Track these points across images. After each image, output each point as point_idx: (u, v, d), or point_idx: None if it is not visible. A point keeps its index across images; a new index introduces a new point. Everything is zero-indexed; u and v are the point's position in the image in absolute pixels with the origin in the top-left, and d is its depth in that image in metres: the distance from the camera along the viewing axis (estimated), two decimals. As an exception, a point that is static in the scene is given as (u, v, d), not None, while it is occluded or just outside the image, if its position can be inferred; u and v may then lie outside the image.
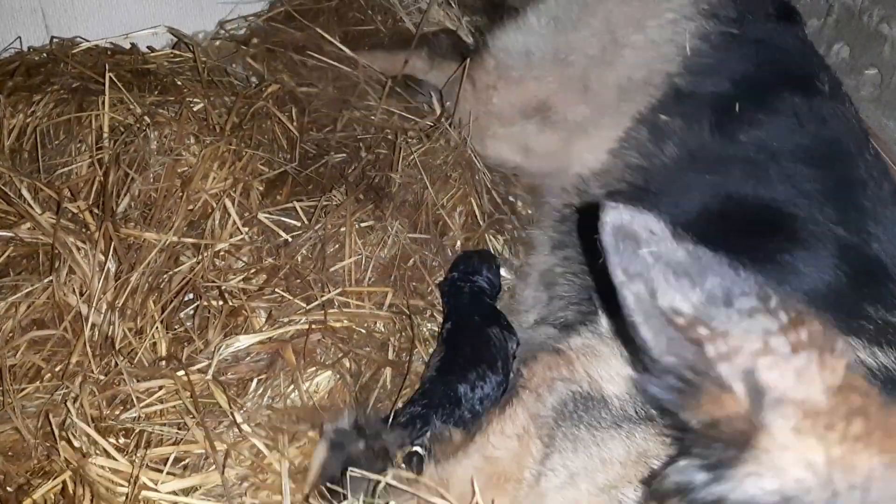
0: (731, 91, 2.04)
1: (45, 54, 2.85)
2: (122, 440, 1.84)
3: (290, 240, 2.30)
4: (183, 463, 1.81)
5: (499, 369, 1.95)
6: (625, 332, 1.08)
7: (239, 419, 1.83)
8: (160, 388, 1.89)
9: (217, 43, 3.16)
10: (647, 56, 2.18)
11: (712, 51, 2.12)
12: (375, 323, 2.16)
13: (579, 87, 2.31)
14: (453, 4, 3.41)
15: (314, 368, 2.00)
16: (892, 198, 1.94)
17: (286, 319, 2.06)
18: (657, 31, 2.19)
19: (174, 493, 1.70)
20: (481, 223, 2.53)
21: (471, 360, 1.95)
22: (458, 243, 2.47)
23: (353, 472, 1.65)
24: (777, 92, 2.01)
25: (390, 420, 1.86)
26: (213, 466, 1.75)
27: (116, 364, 1.93)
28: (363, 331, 2.12)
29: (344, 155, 2.64)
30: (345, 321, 2.09)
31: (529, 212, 2.65)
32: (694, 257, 1.00)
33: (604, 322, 1.75)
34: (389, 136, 2.72)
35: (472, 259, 2.30)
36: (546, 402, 1.64)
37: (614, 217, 0.98)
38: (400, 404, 1.97)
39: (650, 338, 0.99)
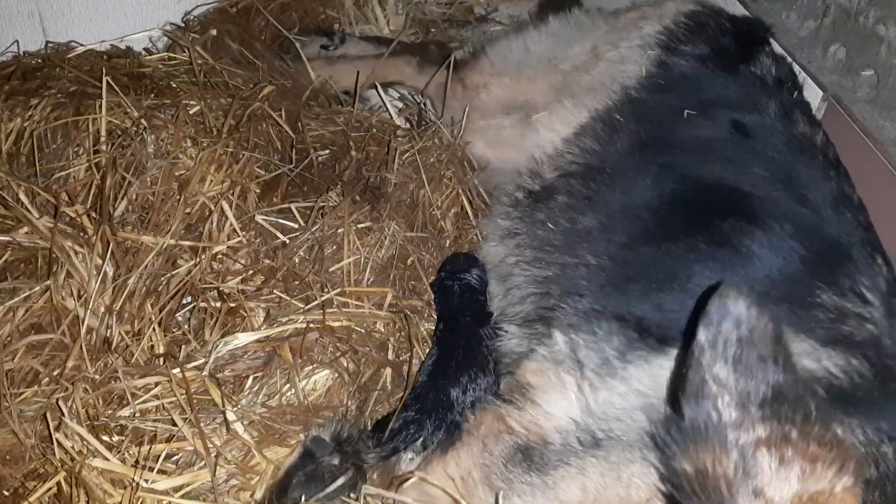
0: (678, 107, 2.23)
1: (40, 59, 2.85)
2: (115, 438, 1.85)
3: (287, 241, 2.30)
4: (176, 458, 1.82)
5: (490, 371, 1.98)
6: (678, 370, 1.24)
7: (231, 417, 1.83)
8: (156, 384, 1.90)
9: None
10: (615, 69, 2.44)
11: (665, 76, 2.36)
12: (375, 323, 2.17)
13: (559, 89, 2.52)
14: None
15: (312, 367, 2.00)
16: (833, 200, 2.00)
17: (285, 319, 2.06)
18: (626, 51, 2.47)
19: (166, 491, 1.71)
20: (473, 222, 2.56)
21: (462, 362, 1.97)
22: (448, 242, 2.50)
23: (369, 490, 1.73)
24: (719, 112, 2.19)
25: (387, 425, 1.88)
26: (203, 463, 1.76)
27: (112, 364, 1.94)
28: (362, 331, 2.12)
29: (328, 152, 2.66)
30: (344, 321, 2.09)
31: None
32: (770, 361, 1.12)
33: (558, 338, 1.79)
34: (377, 134, 2.75)
35: (458, 259, 2.34)
36: (493, 451, 1.69)
37: (733, 297, 1.11)
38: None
39: (689, 391, 1.12)
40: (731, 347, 1.09)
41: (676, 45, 2.41)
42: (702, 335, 1.12)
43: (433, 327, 2.23)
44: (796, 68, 2.45)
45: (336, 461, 1.75)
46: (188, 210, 2.28)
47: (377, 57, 3.11)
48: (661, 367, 1.62)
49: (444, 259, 2.38)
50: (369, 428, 1.93)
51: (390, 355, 2.14)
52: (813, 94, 2.40)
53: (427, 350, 2.17)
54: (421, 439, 1.80)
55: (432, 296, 2.30)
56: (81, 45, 2.94)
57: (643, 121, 2.23)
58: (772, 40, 2.53)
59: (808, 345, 1.63)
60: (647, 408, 1.55)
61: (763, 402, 1.09)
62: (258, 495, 1.75)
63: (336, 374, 2.00)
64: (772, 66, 2.37)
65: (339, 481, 1.74)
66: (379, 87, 3.03)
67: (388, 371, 2.11)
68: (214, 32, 3.05)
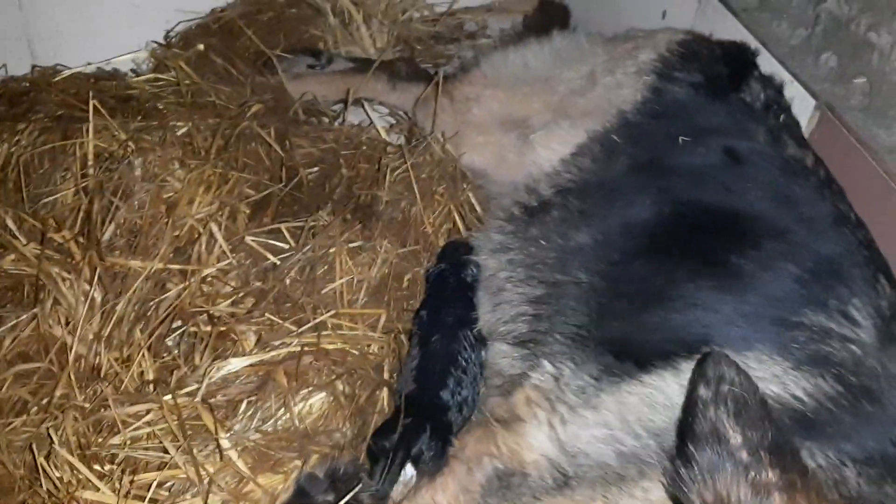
0: (673, 132, 2.24)
1: (27, 83, 2.83)
2: (107, 467, 1.81)
3: (278, 263, 2.27)
4: (168, 485, 1.79)
5: (471, 372, 2.03)
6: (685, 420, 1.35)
7: (225, 444, 1.80)
8: (147, 412, 1.87)
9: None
10: (611, 94, 2.46)
11: (660, 101, 2.38)
12: (369, 345, 2.14)
13: (555, 109, 2.54)
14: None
15: (307, 390, 1.97)
16: (833, 219, 2.00)
17: (278, 342, 2.03)
18: (622, 77, 2.49)
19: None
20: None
21: (446, 366, 2.01)
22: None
23: None
24: (711, 140, 2.21)
25: (383, 437, 1.85)
26: (196, 490, 1.73)
27: (102, 391, 1.91)
28: (357, 353, 2.09)
29: (318, 170, 2.65)
30: (339, 343, 2.07)
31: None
32: (766, 418, 1.28)
33: (547, 367, 1.81)
34: (367, 151, 2.73)
35: (458, 249, 2.36)
36: (475, 477, 1.72)
37: (725, 362, 1.28)
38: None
39: (699, 438, 1.26)
40: (730, 403, 1.24)
41: (671, 71, 2.43)
42: (702, 392, 1.27)
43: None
44: (788, 78, 2.44)
45: (331, 499, 1.71)
46: (176, 233, 2.26)
47: (344, 74, 3.12)
48: (630, 392, 1.65)
49: (442, 247, 2.41)
50: (367, 440, 1.90)
51: (385, 376, 2.11)
52: (805, 103, 2.38)
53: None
54: (421, 444, 1.79)
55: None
56: (68, 67, 2.92)
57: (640, 143, 2.25)
58: (763, 50, 2.52)
59: (780, 367, 1.64)
60: (609, 440, 1.60)
61: (769, 449, 1.22)
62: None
63: (332, 398, 1.97)
64: (760, 91, 2.39)
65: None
66: (365, 104, 3.02)
67: (385, 392, 2.08)
68: (202, 47, 3.02)
